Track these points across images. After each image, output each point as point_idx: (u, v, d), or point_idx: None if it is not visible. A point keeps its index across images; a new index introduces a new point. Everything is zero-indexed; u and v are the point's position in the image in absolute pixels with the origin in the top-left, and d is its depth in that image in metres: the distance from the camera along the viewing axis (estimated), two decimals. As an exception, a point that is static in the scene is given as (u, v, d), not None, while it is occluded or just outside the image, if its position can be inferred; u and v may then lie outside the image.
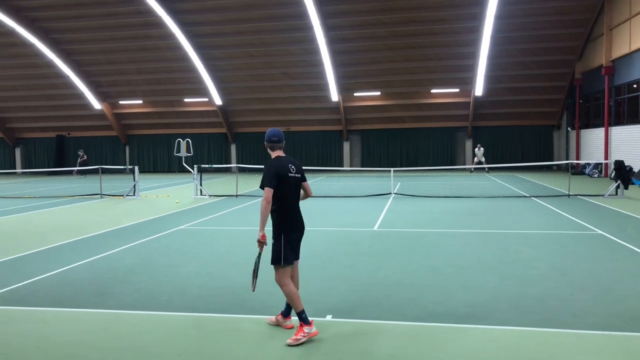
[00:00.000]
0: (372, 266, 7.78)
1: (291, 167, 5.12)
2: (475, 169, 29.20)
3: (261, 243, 5.02)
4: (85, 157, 33.66)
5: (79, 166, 31.10)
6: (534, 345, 4.75)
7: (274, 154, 5.19)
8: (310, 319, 4.99)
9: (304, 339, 4.85)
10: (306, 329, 4.89)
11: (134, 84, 32.75)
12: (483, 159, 29.11)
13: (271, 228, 5.14)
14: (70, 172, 31.67)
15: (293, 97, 31.97)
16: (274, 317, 5.41)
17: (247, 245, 9.44)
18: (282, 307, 5.41)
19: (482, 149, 29.46)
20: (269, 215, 5.00)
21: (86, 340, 5.04)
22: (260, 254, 5.17)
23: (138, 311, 5.86)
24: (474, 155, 30.01)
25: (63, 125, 35.82)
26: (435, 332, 5.11)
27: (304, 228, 5.26)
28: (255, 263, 5.18)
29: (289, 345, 4.80)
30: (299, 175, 5.21)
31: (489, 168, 28.50)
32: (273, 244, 5.07)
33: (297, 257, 5.24)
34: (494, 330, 5.12)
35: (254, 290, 5.24)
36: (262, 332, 5.17)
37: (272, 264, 5.07)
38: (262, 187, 4.97)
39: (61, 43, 30.46)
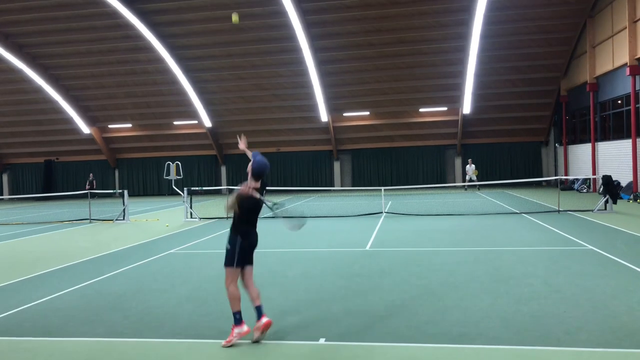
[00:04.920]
0: (365, 287, 7.72)
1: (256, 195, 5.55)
2: (468, 186, 29.23)
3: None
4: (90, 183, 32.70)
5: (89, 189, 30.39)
6: (530, 365, 4.71)
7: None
8: (245, 322, 5.35)
9: (235, 339, 5.28)
10: (237, 329, 5.32)
11: (123, 107, 32.72)
12: (474, 177, 29.14)
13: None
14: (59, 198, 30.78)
15: (283, 118, 32.11)
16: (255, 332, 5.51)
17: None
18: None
19: (473, 165, 29.51)
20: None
21: (74, 370, 4.93)
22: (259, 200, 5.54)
23: (128, 339, 5.75)
24: (465, 172, 30.06)
25: (51, 150, 35.60)
26: (429, 354, 5.06)
27: (257, 241, 5.64)
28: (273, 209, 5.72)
29: (224, 347, 5.22)
30: (261, 204, 5.65)
31: (479, 185, 28.58)
32: (228, 249, 5.42)
33: (249, 262, 5.59)
34: (488, 350, 5.08)
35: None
36: (256, 355, 5.09)
37: (225, 265, 5.42)
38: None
39: (50, 68, 30.47)
